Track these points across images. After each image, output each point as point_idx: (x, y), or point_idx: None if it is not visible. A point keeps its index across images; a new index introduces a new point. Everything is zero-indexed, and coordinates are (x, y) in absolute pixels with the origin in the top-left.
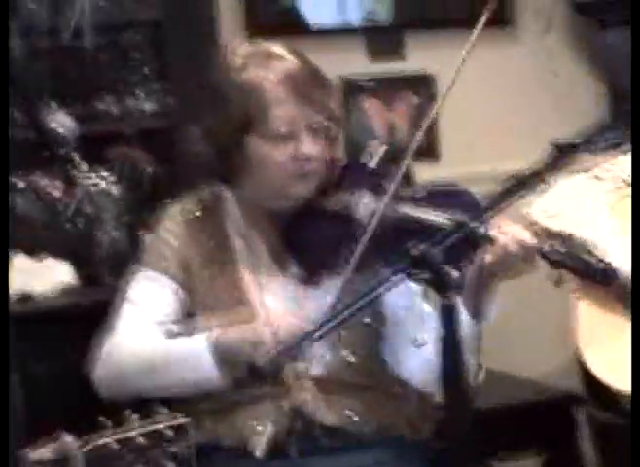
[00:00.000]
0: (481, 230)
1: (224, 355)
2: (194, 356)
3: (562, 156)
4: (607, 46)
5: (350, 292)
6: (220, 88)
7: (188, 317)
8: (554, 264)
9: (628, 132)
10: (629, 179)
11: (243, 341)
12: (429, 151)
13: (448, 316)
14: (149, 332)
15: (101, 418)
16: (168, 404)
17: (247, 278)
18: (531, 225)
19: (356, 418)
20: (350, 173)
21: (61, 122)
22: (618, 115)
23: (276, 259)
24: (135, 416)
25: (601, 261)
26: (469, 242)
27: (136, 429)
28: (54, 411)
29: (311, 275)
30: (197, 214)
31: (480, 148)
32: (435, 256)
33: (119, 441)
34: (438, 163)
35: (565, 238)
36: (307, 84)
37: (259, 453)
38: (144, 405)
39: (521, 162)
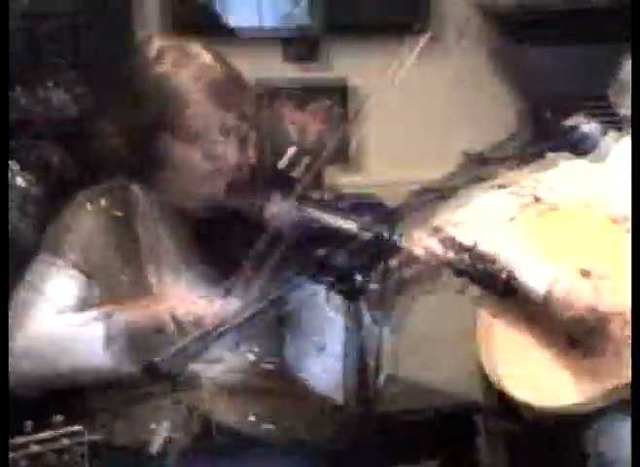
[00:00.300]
0: (394, 238)
1: (116, 329)
2: (84, 330)
3: (470, 166)
4: (522, 60)
5: (254, 293)
6: (133, 81)
7: (85, 305)
8: (458, 273)
9: (535, 144)
10: (537, 193)
11: (139, 315)
12: (341, 156)
13: (351, 320)
14: (48, 318)
15: None
16: (65, 405)
17: (151, 275)
18: (436, 233)
19: (253, 419)
20: (261, 174)
21: None
22: (524, 124)
23: (183, 257)
24: (29, 423)
25: (504, 272)
26: (374, 247)
27: (30, 436)
28: None
29: (217, 275)
30: (104, 204)
31: (392, 155)
32: (338, 259)
33: (12, 447)
34: (350, 169)
35: (468, 249)
36: (222, 84)
37: (153, 450)
38: (43, 413)
39: (433, 170)
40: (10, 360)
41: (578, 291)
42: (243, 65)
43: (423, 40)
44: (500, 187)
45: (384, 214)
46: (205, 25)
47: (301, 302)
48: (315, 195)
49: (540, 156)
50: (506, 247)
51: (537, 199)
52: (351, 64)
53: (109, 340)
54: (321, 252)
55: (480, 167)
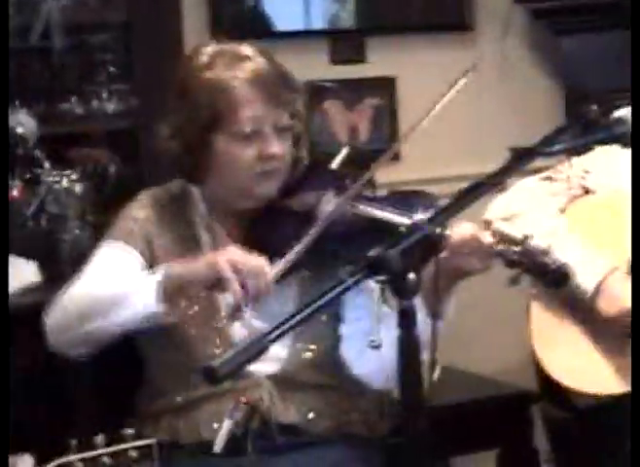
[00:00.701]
0: (438, 230)
1: (176, 280)
2: (144, 289)
3: (519, 161)
4: (563, 51)
5: (308, 290)
6: (187, 86)
7: None
8: (510, 263)
9: (583, 135)
10: (586, 183)
11: (198, 265)
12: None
13: (405, 318)
14: (101, 278)
15: (71, 439)
16: (132, 412)
17: None
18: (487, 227)
19: (312, 416)
20: (314, 174)
21: (22, 121)
22: (572, 118)
23: None
24: (101, 437)
25: (556, 261)
26: (426, 244)
27: (101, 449)
28: (22, 418)
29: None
30: (164, 202)
31: (441, 151)
32: (392, 258)
33: (83, 461)
34: (399, 166)
35: (519, 241)
36: (274, 84)
37: (217, 449)
38: (110, 421)
39: (480, 165)
40: (56, 320)
41: (624, 291)
42: (290, 67)
43: (465, 78)
44: (549, 179)
45: (436, 210)
46: (253, 29)
47: (355, 298)
48: (367, 192)
49: (588, 149)
50: (556, 240)
51: (587, 191)
52: (396, 62)
53: (164, 290)
54: (374, 252)
55: (527, 162)
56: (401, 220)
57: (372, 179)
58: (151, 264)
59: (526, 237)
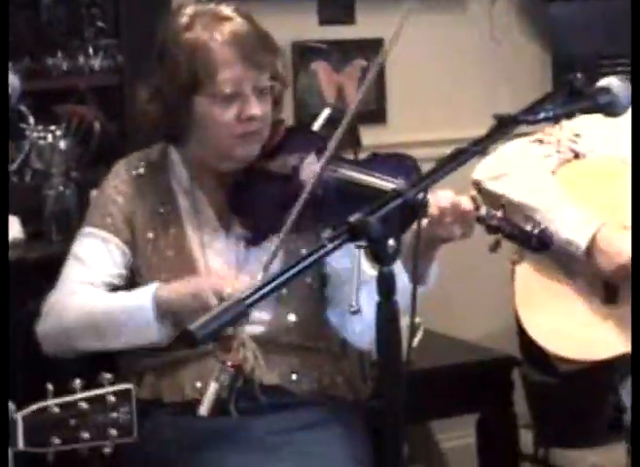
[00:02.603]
0: (427, 199)
1: (165, 307)
2: (136, 308)
3: (503, 128)
4: (551, 17)
5: (290, 252)
6: (167, 47)
7: (132, 274)
8: (490, 229)
9: (567, 103)
10: (577, 147)
11: (184, 294)
12: (378, 116)
13: (384, 284)
14: (93, 288)
15: (47, 384)
16: (111, 362)
17: (190, 236)
18: (476, 186)
19: (295, 377)
20: (295, 136)
21: None
22: (558, 86)
23: (220, 218)
24: (78, 381)
25: (537, 226)
26: (407, 210)
27: (78, 394)
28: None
29: (254, 236)
30: (142, 171)
31: (428, 114)
32: (372, 224)
33: (60, 406)
34: (386, 128)
35: (505, 202)
36: (254, 45)
37: (203, 412)
38: (89, 370)
39: (467, 130)
40: (52, 330)
41: (620, 242)
42: (279, 27)
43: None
44: (539, 141)
45: (418, 176)
46: None
47: (339, 261)
48: (348, 154)
49: (571, 117)
50: (546, 200)
51: (576, 155)
52: (386, 24)
53: (160, 317)
54: (354, 217)
55: (511, 130)
56: (382, 184)
57: (358, 140)
58: (132, 242)
59: (511, 199)
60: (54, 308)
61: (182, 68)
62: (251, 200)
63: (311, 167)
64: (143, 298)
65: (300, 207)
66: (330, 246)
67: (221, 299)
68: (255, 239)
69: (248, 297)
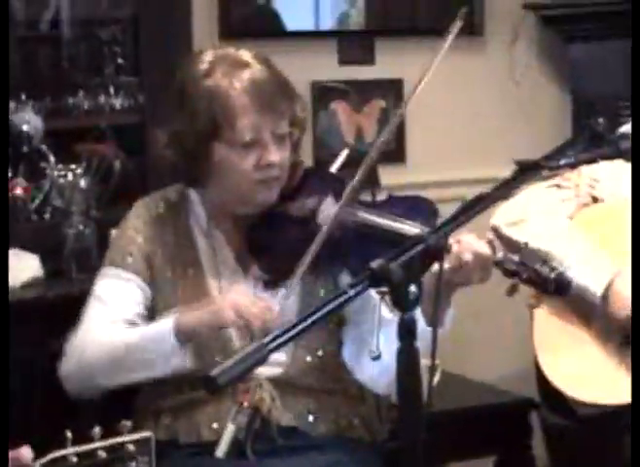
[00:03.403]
0: (440, 241)
1: (184, 329)
2: (158, 338)
3: (525, 175)
4: (571, 58)
5: (307, 294)
6: (186, 93)
7: (151, 313)
8: (508, 273)
9: (589, 149)
10: (595, 192)
11: (206, 320)
12: (397, 155)
13: (405, 330)
14: (115, 326)
15: (66, 431)
16: (128, 404)
17: (208, 277)
18: (494, 232)
19: (312, 419)
20: (313, 178)
21: (28, 119)
22: (579, 132)
23: (239, 261)
24: (97, 429)
25: (554, 270)
26: (426, 254)
27: (97, 442)
28: (21, 410)
29: (273, 279)
30: (162, 211)
31: (447, 154)
32: (394, 271)
33: (79, 455)
34: (405, 168)
35: (521, 247)
36: (273, 92)
37: (220, 453)
38: (108, 418)
39: (486, 170)
40: (74, 370)
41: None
42: (299, 67)
43: (455, 28)
44: (557, 186)
45: (435, 217)
46: (262, 28)
47: (356, 302)
48: (366, 196)
49: (592, 163)
50: (563, 247)
51: (595, 199)
52: (404, 65)
53: (181, 346)
54: (375, 263)
55: (533, 176)
56: (399, 227)
57: (377, 179)
58: (152, 282)
59: (526, 244)
60: (76, 348)
61: (201, 115)
62: (269, 243)
63: (329, 210)
64: (163, 324)
65: (317, 248)
66: (351, 293)
67: (240, 316)
68: (273, 282)
69: (270, 342)
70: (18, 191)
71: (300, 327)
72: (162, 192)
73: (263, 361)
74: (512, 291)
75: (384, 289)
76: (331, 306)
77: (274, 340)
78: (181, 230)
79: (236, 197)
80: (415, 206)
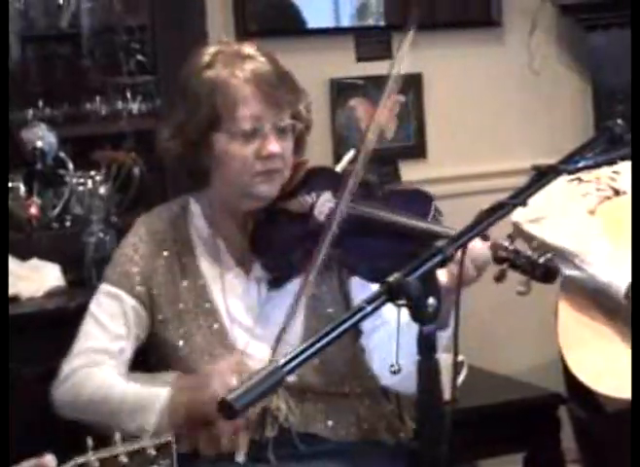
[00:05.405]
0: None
1: (177, 410)
2: (147, 407)
3: (543, 179)
4: (591, 47)
5: (313, 297)
6: (188, 84)
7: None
8: (496, 260)
9: (608, 150)
10: (616, 184)
11: (200, 403)
12: (418, 150)
13: (425, 343)
14: (109, 360)
15: (87, 438)
16: None
17: (211, 284)
18: (515, 229)
19: (331, 424)
20: (315, 176)
21: (41, 135)
22: (598, 134)
23: (240, 263)
24: (118, 435)
25: (543, 255)
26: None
27: (119, 448)
28: (44, 418)
29: (276, 278)
30: (161, 227)
31: (468, 147)
32: (412, 284)
33: (100, 460)
34: (426, 163)
35: (540, 245)
36: (274, 84)
37: (240, 459)
38: None
39: (506, 163)
40: (66, 397)
41: None
42: (317, 65)
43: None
44: (578, 180)
45: (434, 211)
46: (279, 26)
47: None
48: (365, 191)
49: (611, 164)
50: (585, 244)
51: (616, 192)
52: (424, 59)
53: (170, 415)
54: (392, 277)
55: (551, 180)
56: (400, 220)
57: (398, 175)
58: (151, 299)
59: (544, 242)
60: (70, 378)
61: (202, 104)
62: (271, 240)
63: (327, 204)
64: (159, 398)
65: (324, 251)
66: (369, 309)
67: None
68: (276, 282)
69: (286, 364)
70: (33, 210)
71: (316, 346)
72: (163, 206)
73: (279, 384)
74: (500, 277)
75: (403, 302)
76: (348, 324)
77: (290, 361)
78: (181, 242)
79: (238, 190)
80: (414, 199)
